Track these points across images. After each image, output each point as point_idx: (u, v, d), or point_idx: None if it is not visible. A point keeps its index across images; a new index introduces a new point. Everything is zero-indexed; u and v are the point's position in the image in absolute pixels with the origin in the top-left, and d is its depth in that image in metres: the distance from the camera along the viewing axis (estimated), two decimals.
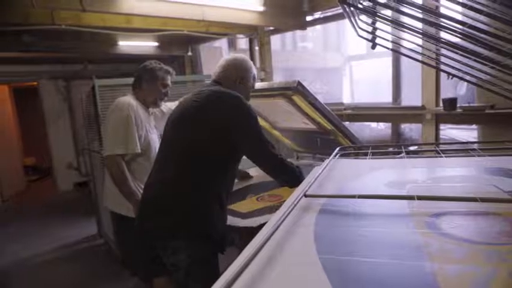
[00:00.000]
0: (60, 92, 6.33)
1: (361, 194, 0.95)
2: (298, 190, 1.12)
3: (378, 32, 1.54)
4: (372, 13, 1.43)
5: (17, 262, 3.73)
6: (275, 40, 5.02)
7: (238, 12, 3.43)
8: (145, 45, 4.85)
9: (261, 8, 3.48)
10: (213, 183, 1.67)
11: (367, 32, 1.56)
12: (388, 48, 1.67)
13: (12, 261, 3.74)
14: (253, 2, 3.41)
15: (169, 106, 2.54)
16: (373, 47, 1.62)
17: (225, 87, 1.81)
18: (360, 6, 1.25)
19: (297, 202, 0.95)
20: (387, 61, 4.03)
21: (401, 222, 0.84)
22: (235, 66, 1.90)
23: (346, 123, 4.17)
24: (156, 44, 4.87)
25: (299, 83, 2.12)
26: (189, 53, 5.50)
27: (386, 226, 0.82)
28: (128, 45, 4.68)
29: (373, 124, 4.42)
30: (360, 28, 1.53)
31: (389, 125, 3.83)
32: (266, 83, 2.84)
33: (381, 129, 4.22)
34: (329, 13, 4.12)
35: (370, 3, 1.37)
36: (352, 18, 1.34)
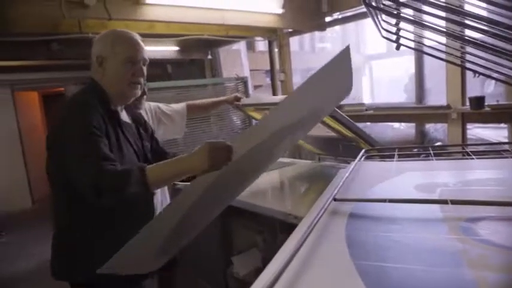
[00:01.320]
0: None
1: (392, 198, 0.95)
2: (327, 194, 1.12)
3: (401, 32, 1.53)
4: (395, 15, 1.42)
5: (46, 263, 3.83)
6: (293, 41, 5.02)
7: (258, 15, 3.46)
8: (166, 49, 4.93)
9: (281, 11, 3.49)
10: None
11: (391, 32, 1.55)
12: (412, 48, 1.65)
13: (40, 261, 3.85)
14: (273, 5, 3.43)
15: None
16: (398, 47, 1.61)
17: (92, 78, 1.53)
18: (383, 7, 1.25)
19: (327, 206, 0.96)
20: (408, 59, 3.99)
21: (434, 227, 0.83)
22: (94, 45, 1.52)
23: (368, 124, 4.15)
24: (176, 48, 4.94)
25: None
26: (209, 57, 5.56)
27: (419, 231, 0.82)
28: (149, 50, 4.77)
29: (396, 124, 4.37)
30: (384, 29, 1.52)
31: (412, 125, 3.78)
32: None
33: (403, 129, 4.17)
34: (348, 13, 4.10)
35: (393, 4, 1.36)
36: (376, 19, 1.33)
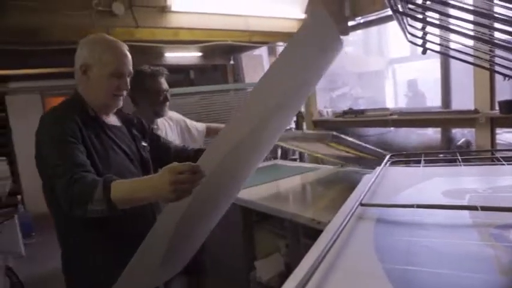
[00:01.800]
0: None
1: (420, 204, 0.94)
2: (353, 199, 1.12)
3: (428, 36, 1.52)
4: (421, 19, 1.41)
5: None
6: None
7: (281, 20, 3.49)
8: (189, 55, 5.01)
9: (303, 16, 3.51)
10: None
11: (417, 36, 1.54)
12: (438, 52, 1.63)
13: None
14: (295, 10, 3.45)
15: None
16: (424, 51, 1.60)
17: (76, 89, 1.51)
18: (409, 12, 1.24)
19: (354, 211, 0.96)
20: (433, 63, 3.92)
21: (464, 233, 0.83)
22: (79, 51, 1.46)
23: (391, 129, 4.10)
24: (199, 54, 5.01)
25: (334, 136, 2.09)
26: (231, 62, 5.61)
27: (449, 237, 0.81)
28: (173, 56, 4.85)
29: (420, 129, 4.30)
30: (409, 33, 1.51)
31: (438, 130, 3.72)
32: (300, 132, 2.90)
33: (429, 134, 4.10)
34: (371, 17, 4.08)
35: (419, 8, 1.36)
36: (402, 24, 1.33)
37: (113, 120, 1.60)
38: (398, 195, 1.16)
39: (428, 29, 1.48)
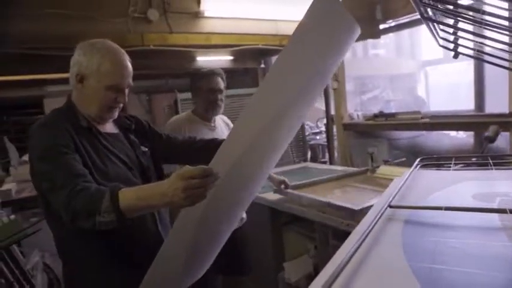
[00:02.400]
0: (143, 105, 6.83)
1: (448, 206, 0.96)
2: (382, 201, 1.15)
3: (460, 41, 1.51)
4: (452, 26, 1.41)
5: None
6: None
7: None
8: (220, 59, 5.09)
9: None
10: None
11: (449, 41, 1.54)
12: (471, 56, 1.62)
13: None
14: None
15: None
16: (456, 56, 1.59)
17: (69, 97, 1.44)
18: (440, 19, 1.25)
19: (383, 212, 0.98)
20: (466, 65, 3.83)
21: (493, 235, 0.84)
22: (76, 57, 1.37)
23: (423, 133, 4.03)
24: (230, 57, 5.09)
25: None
26: (262, 65, 5.66)
27: (477, 238, 0.83)
28: (205, 60, 4.96)
29: (452, 133, 4.21)
30: (441, 38, 1.51)
31: (471, 133, 3.64)
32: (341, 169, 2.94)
33: (461, 138, 4.01)
34: (403, 20, 4.03)
35: (450, 14, 1.36)
36: (433, 29, 1.34)
37: (108, 127, 1.51)
38: (427, 198, 1.17)
39: (461, 33, 1.48)
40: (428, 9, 1.08)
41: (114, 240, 1.32)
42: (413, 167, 1.52)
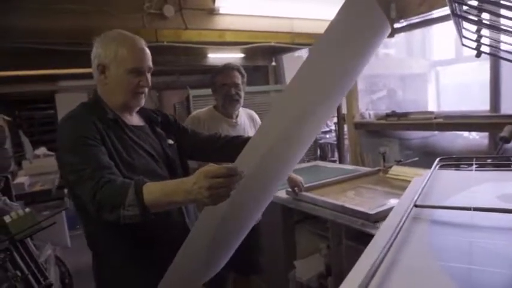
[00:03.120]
0: (153, 102, 6.85)
1: (477, 207, 0.94)
2: (406, 200, 1.13)
3: (484, 40, 1.49)
4: (476, 22, 1.39)
5: None
6: None
7: (326, 22, 3.46)
8: (232, 56, 5.08)
9: None
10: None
11: (471, 40, 1.52)
12: (494, 55, 1.60)
13: None
14: None
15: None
16: (478, 55, 1.58)
17: (95, 90, 1.46)
18: (465, 14, 1.23)
19: (410, 212, 0.97)
20: (478, 65, 3.78)
21: None
22: (95, 50, 1.40)
23: (435, 133, 4.00)
24: (242, 55, 5.08)
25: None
26: (273, 63, 5.65)
27: (508, 240, 0.81)
28: (216, 57, 4.95)
29: (465, 133, 4.17)
30: (464, 36, 1.50)
31: (485, 134, 3.60)
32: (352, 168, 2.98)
33: (476, 139, 3.96)
34: (416, 20, 4.00)
35: (475, 10, 1.34)
36: (458, 28, 1.32)
37: (135, 120, 1.53)
38: (450, 198, 1.16)
39: (484, 32, 1.46)
40: (457, 8, 1.06)
41: (142, 232, 1.32)
42: (433, 167, 1.50)
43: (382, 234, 0.88)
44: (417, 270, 0.72)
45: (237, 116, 2.37)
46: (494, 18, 1.34)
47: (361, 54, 1.35)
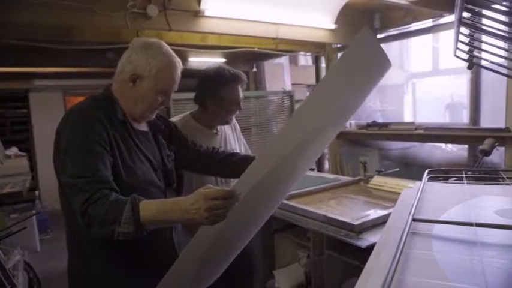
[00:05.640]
0: None
1: (479, 222, 0.91)
2: (401, 213, 1.10)
3: (475, 52, 1.49)
4: (469, 35, 1.38)
5: None
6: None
7: (310, 30, 3.49)
8: (213, 61, 5.03)
9: (333, 26, 3.50)
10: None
11: (464, 51, 1.51)
12: (486, 68, 1.60)
13: None
14: (326, 20, 3.45)
15: None
16: (470, 66, 1.57)
17: (109, 88, 1.41)
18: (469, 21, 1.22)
19: (410, 226, 0.93)
20: (453, 79, 3.87)
21: None
22: (134, 56, 1.34)
23: (416, 144, 4.05)
24: (223, 59, 5.04)
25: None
26: (254, 69, 5.63)
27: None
28: (197, 60, 4.88)
29: (443, 145, 4.24)
30: (458, 48, 1.49)
31: (463, 147, 3.66)
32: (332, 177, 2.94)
33: (454, 151, 4.03)
34: (399, 30, 4.06)
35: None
36: (456, 38, 1.30)
37: (141, 125, 1.50)
38: (447, 211, 1.13)
39: (477, 44, 1.45)
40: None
41: (124, 243, 1.24)
42: (424, 179, 1.47)
43: (381, 250, 0.84)
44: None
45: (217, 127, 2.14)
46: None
47: (363, 89, 1.41)
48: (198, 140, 1.78)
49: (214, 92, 1.90)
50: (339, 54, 4.63)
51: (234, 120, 2.22)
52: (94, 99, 1.39)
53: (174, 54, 1.41)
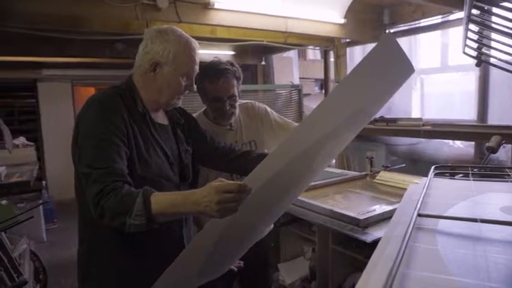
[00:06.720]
0: None
1: (483, 219, 0.92)
2: (406, 209, 1.11)
3: (484, 49, 1.49)
4: (478, 33, 1.38)
5: None
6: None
7: (319, 24, 3.48)
8: (221, 53, 5.03)
9: (342, 21, 3.49)
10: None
11: (473, 48, 1.51)
12: (494, 65, 1.60)
13: None
14: (335, 15, 3.44)
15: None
16: (478, 64, 1.57)
17: (131, 79, 1.42)
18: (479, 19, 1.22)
19: (415, 221, 0.94)
20: (462, 75, 3.84)
21: None
22: (150, 45, 1.34)
23: (422, 140, 4.04)
24: (232, 52, 5.03)
25: None
26: (263, 63, 5.62)
27: None
28: (205, 53, 4.89)
29: (450, 142, 4.22)
30: (466, 45, 1.49)
31: (470, 143, 3.64)
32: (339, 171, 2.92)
33: (461, 147, 4.01)
34: (408, 26, 4.03)
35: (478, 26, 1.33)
36: (465, 36, 1.31)
37: (160, 117, 1.49)
38: (452, 207, 1.14)
39: (486, 42, 1.45)
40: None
41: (135, 235, 1.26)
42: (430, 175, 1.48)
43: (387, 244, 0.85)
44: (430, 285, 0.69)
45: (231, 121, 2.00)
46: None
47: (381, 96, 1.41)
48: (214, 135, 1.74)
49: (200, 89, 1.83)
50: (348, 49, 4.62)
51: (251, 108, 2.09)
52: (117, 89, 1.38)
53: (188, 36, 1.41)
